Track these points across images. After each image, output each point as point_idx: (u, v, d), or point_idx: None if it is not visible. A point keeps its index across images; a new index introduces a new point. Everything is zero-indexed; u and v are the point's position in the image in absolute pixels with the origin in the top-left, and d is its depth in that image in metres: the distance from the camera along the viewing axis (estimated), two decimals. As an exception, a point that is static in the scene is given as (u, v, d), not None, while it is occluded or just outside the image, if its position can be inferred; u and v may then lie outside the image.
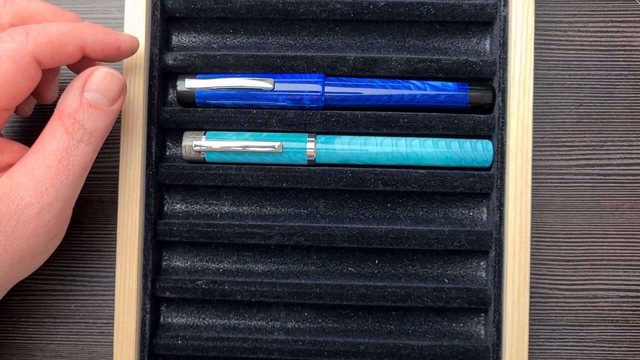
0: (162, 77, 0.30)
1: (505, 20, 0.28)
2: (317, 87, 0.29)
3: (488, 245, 0.29)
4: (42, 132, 0.24)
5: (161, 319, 0.31)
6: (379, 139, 0.29)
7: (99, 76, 0.25)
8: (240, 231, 0.29)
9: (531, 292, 0.29)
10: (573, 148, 0.31)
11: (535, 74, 0.29)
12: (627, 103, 0.31)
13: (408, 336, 0.30)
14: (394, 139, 0.29)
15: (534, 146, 0.29)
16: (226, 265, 0.31)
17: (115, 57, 0.26)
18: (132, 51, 0.27)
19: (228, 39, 0.31)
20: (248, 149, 0.29)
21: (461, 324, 0.30)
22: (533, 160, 0.28)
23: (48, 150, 0.24)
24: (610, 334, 0.30)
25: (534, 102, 0.29)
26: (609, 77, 0.31)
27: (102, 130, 0.25)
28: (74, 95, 0.24)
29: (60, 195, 0.24)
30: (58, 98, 0.29)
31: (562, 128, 0.31)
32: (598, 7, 0.31)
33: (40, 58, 0.24)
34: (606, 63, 0.31)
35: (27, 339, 0.31)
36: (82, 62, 0.27)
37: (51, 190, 0.24)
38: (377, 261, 0.31)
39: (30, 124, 0.31)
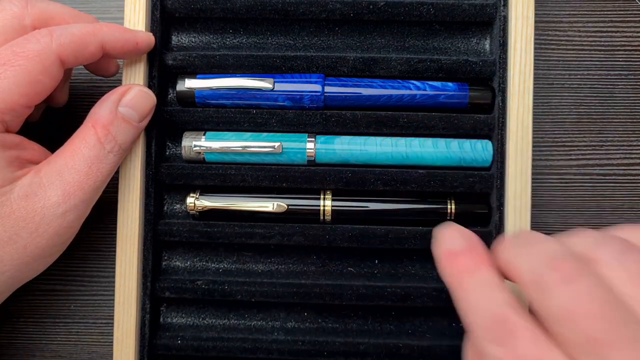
0: (162, 77, 0.30)
1: (505, 20, 0.28)
2: (317, 87, 0.29)
3: (488, 246, 0.29)
4: (74, 138, 0.25)
5: (161, 319, 0.31)
6: (378, 139, 0.29)
7: (134, 93, 0.26)
8: (240, 231, 0.29)
9: (531, 292, 0.29)
10: (573, 148, 0.31)
11: (535, 74, 0.29)
12: (627, 103, 0.31)
13: (408, 336, 0.30)
14: (394, 139, 0.29)
15: (534, 146, 0.29)
16: (226, 265, 0.31)
17: (133, 53, 0.27)
18: (149, 47, 0.28)
19: (228, 39, 0.31)
20: (248, 149, 0.29)
21: (461, 324, 0.30)
22: (533, 160, 0.28)
23: (79, 156, 0.25)
24: (610, 334, 0.30)
25: (534, 102, 0.29)
26: (609, 77, 0.31)
27: (128, 143, 0.27)
28: (110, 108, 0.26)
29: (86, 198, 0.25)
30: (67, 102, 0.30)
31: (562, 128, 0.31)
32: (598, 7, 0.31)
33: (64, 57, 0.25)
34: (606, 63, 0.31)
35: (27, 339, 0.31)
36: (101, 62, 0.28)
37: (79, 194, 0.25)
38: (377, 261, 0.31)
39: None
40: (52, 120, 0.31)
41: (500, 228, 0.28)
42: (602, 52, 0.31)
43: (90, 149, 0.25)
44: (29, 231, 0.24)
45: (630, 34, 0.31)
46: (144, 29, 0.28)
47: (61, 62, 0.25)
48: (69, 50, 0.25)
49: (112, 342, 0.28)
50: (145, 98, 0.27)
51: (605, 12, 0.31)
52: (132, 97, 0.26)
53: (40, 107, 0.30)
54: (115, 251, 0.28)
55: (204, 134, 0.29)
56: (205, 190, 0.30)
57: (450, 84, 0.29)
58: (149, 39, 0.28)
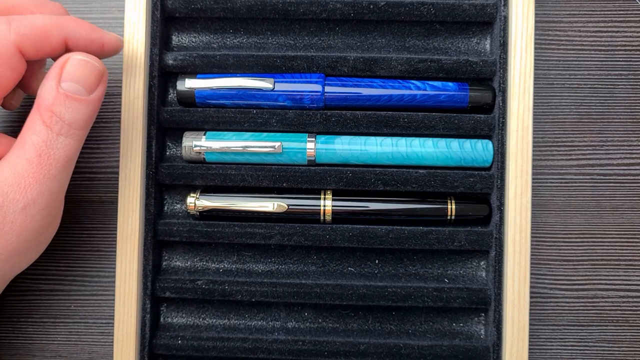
0: (162, 77, 0.30)
1: (505, 20, 0.28)
2: (317, 87, 0.29)
3: (488, 245, 0.29)
4: (23, 126, 0.24)
5: (161, 319, 0.31)
6: (379, 139, 0.29)
7: (74, 65, 0.24)
8: (240, 231, 0.29)
9: (531, 292, 0.29)
10: (573, 148, 0.31)
11: (535, 74, 0.29)
12: (627, 103, 0.31)
13: (408, 336, 0.30)
14: (394, 139, 0.29)
15: (534, 146, 0.29)
16: (226, 265, 0.31)
17: (98, 54, 0.26)
18: (116, 51, 0.27)
19: (228, 39, 0.31)
20: (248, 149, 0.29)
21: (461, 324, 0.30)
22: (533, 160, 0.28)
23: (28, 144, 0.23)
24: (611, 334, 0.30)
25: (534, 102, 0.29)
26: (609, 77, 0.31)
27: (82, 121, 0.24)
28: (51, 87, 0.23)
29: (44, 189, 0.24)
30: None
31: (562, 128, 0.31)
32: (598, 7, 0.31)
33: (23, 49, 0.24)
34: (606, 63, 0.31)
35: (27, 339, 0.31)
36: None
37: (34, 185, 0.23)
38: (377, 261, 0.31)
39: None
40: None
41: (500, 228, 0.28)
42: (602, 52, 0.31)
43: (37, 135, 0.23)
44: None
45: (630, 34, 0.31)
46: (144, 29, 0.28)
47: (21, 54, 0.24)
48: (28, 42, 0.23)
49: (112, 342, 0.28)
50: (87, 67, 0.24)
51: (605, 12, 0.31)
52: (71, 70, 0.24)
53: (18, 96, 0.29)
54: (115, 251, 0.28)
55: (204, 134, 0.29)
56: (206, 190, 0.30)
57: (450, 84, 0.29)
58: (117, 42, 0.27)
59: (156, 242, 0.30)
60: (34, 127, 0.23)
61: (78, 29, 0.25)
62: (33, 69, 0.27)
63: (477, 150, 0.29)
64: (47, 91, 0.23)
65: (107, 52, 0.27)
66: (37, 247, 0.26)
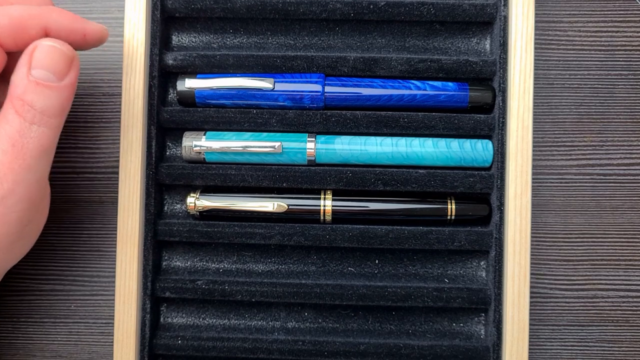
0: (162, 77, 0.30)
1: (505, 20, 0.28)
2: (317, 87, 0.29)
3: (488, 245, 0.29)
4: None
5: (161, 319, 0.31)
6: (379, 139, 0.29)
7: (43, 51, 0.23)
8: (240, 231, 0.29)
9: (531, 292, 0.29)
10: (573, 148, 0.31)
11: (535, 74, 0.29)
12: (627, 103, 0.31)
13: (408, 336, 0.30)
14: (394, 139, 0.29)
15: (534, 146, 0.29)
16: (226, 265, 0.31)
17: (80, 45, 0.25)
18: (100, 41, 0.26)
19: (228, 39, 0.31)
20: (248, 149, 0.29)
21: (461, 324, 0.30)
22: (533, 160, 0.28)
23: (1, 134, 0.23)
24: (611, 334, 0.30)
25: (534, 102, 0.29)
26: (609, 77, 0.31)
27: (55, 109, 0.23)
28: (22, 75, 0.23)
29: (20, 179, 0.23)
30: None
31: (562, 128, 0.31)
32: (598, 7, 0.31)
33: (1, 40, 0.23)
34: (606, 63, 0.31)
35: (27, 339, 0.31)
36: None
37: (10, 176, 0.23)
38: (377, 261, 0.31)
39: None
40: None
41: (500, 228, 0.28)
42: (602, 52, 0.31)
43: (10, 125, 0.23)
44: None
45: (630, 34, 0.31)
46: (144, 29, 0.28)
47: (0, 45, 0.23)
48: (6, 33, 0.23)
49: (112, 342, 0.28)
50: (56, 53, 0.23)
51: (605, 12, 0.31)
52: (40, 57, 0.23)
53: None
54: (115, 251, 0.28)
55: (204, 134, 0.29)
56: (206, 190, 0.30)
57: (450, 84, 0.29)
58: (101, 32, 0.26)
59: (156, 242, 0.30)
60: (7, 116, 0.23)
61: (58, 19, 0.24)
62: (16, 60, 0.27)
63: (477, 150, 0.29)
64: (19, 79, 0.23)
65: (90, 43, 0.26)
66: (23, 240, 0.25)
